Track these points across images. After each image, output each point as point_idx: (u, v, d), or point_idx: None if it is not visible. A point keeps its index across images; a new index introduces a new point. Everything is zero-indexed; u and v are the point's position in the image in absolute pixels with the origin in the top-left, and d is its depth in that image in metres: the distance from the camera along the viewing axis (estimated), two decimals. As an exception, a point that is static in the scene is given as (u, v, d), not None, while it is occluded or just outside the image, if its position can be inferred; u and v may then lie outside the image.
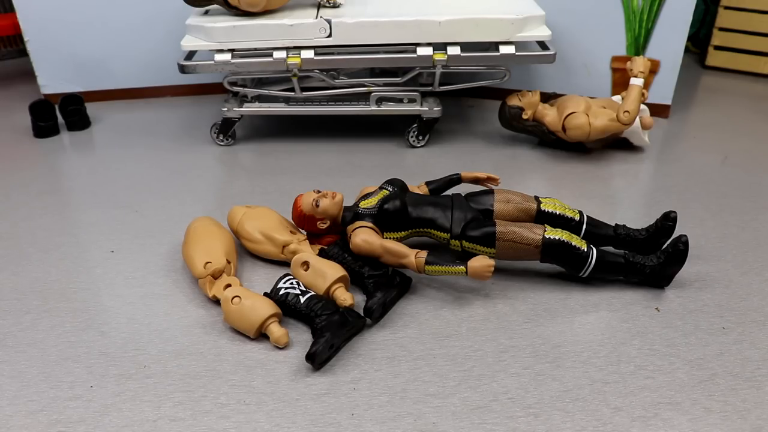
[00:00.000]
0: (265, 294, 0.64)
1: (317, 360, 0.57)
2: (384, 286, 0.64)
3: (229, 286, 0.64)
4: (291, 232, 0.71)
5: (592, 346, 0.60)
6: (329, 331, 0.58)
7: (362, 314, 0.62)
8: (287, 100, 0.99)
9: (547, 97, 0.99)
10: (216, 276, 0.65)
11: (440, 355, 0.59)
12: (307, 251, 0.68)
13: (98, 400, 0.54)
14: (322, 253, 0.69)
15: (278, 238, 0.70)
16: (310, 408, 0.53)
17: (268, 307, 0.60)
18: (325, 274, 0.64)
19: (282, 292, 0.63)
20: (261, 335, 0.61)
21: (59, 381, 0.56)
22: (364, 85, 0.96)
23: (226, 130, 0.99)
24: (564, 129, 0.93)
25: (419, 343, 0.61)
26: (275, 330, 0.60)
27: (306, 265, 0.66)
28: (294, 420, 0.52)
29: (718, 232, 0.78)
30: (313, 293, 0.63)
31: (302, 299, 0.62)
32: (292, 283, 0.64)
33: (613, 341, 0.61)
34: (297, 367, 0.58)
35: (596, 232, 0.71)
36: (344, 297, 0.63)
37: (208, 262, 0.65)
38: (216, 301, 0.64)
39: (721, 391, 0.55)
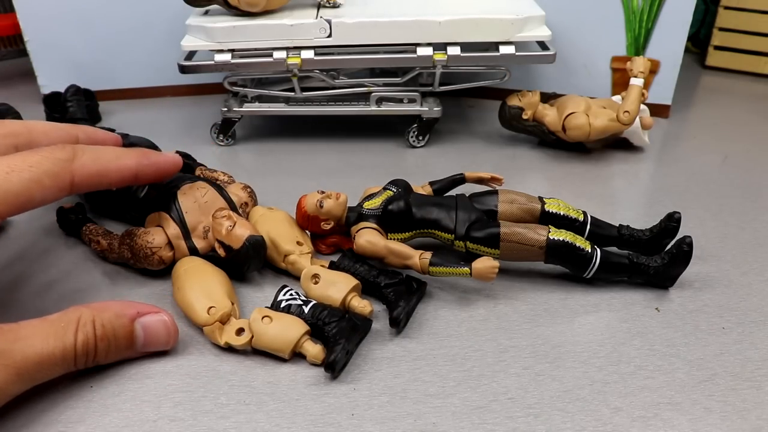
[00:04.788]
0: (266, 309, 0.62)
1: (337, 368, 0.56)
2: (404, 294, 0.63)
3: (242, 330, 0.59)
4: (298, 242, 0.69)
5: (592, 346, 0.60)
6: (343, 338, 0.57)
7: (389, 325, 0.61)
8: (287, 100, 0.99)
9: (547, 97, 0.99)
10: (224, 321, 0.60)
11: (440, 355, 0.59)
12: (306, 265, 0.66)
13: (98, 400, 0.54)
14: (332, 266, 0.67)
15: (281, 246, 0.68)
16: (310, 408, 0.53)
17: (301, 325, 0.58)
18: (338, 284, 0.63)
19: (284, 304, 0.61)
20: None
21: (59, 381, 0.56)
22: (364, 85, 0.96)
23: (226, 130, 0.99)
24: (564, 129, 0.93)
25: (419, 343, 0.61)
26: (310, 348, 0.58)
27: (316, 278, 0.64)
28: (294, 420, 0.52)
29: (718, 232, 0.78)
30: (315, 302, 0.62)
31: (306, 309, 0.61)
32: (292, 294, 0.62)
33: (613, 341, 0.61)
34: (297, 368, 0.58)
35: (600, 232, 0.71)
36: (362, 305, 0.62)
37: (211, 307, 0.60)
38: (229, 349, 0.60)
39: (721, 391, 0.55)
